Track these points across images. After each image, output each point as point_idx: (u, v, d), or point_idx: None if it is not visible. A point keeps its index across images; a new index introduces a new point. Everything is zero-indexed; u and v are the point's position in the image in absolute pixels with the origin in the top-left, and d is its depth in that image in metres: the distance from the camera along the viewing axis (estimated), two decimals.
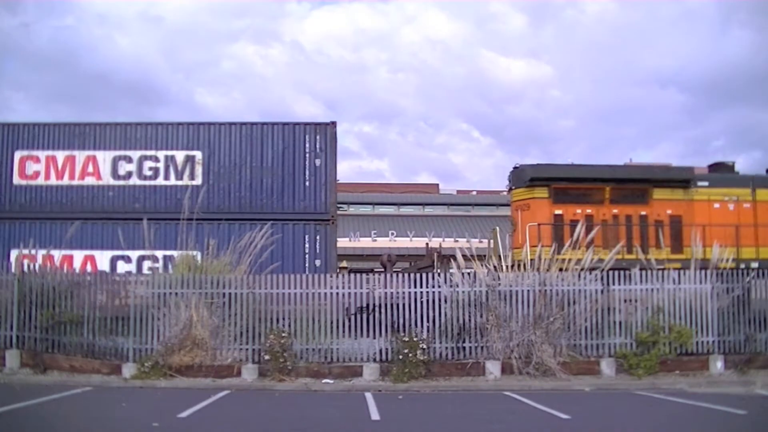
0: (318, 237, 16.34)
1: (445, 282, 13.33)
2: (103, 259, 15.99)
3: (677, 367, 12.91)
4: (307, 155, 16.90)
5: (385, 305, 13.28)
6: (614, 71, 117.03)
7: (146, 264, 14.92)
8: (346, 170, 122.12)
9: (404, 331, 12.75)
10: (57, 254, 15.14)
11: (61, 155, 16.97)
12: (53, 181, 16.89)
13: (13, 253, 15.07)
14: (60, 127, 17.21)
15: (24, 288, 13.17)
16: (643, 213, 17.22)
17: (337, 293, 13.33)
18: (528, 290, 13.13)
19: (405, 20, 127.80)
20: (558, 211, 16.88)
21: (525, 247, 14.57)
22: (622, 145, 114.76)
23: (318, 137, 16.94)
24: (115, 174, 16.90)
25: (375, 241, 41.04)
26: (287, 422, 9.09)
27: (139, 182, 16.88)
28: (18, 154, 16.95)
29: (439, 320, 13.12)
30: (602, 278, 13.36)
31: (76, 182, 16.91)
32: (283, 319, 13.06)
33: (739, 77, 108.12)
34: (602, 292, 13.25)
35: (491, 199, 55.25)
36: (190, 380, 12.17)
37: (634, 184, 17.52)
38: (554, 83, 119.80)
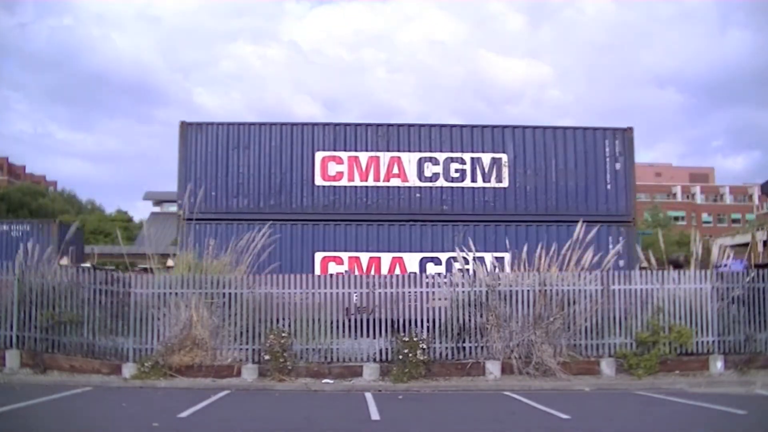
0: (620, 238, 16.38)
1: (446, 282, 13.34)
2: (411, 260, 15.88)
3: (677, 367, 12.91)
4: (607, 159, 17.08)
5: (386, 305, 13.29)
6: (613, 71, 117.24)
7: (455, 266, 14.75)
8: None
9: (404, 331, 12.75)
10: (350, 256, 15.04)
11: (364, 156, 16.85)
12: (357, 182, 16.78)
13: (318, 255, 14.87)
14: (362, 127, 17.10)
15: (24, 288, 13.17)
16: None
17: (338, 293, 13.33)
18: (528, 290, 13.13)
19: (403, 20, 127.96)
20: None
21: None
22: None
23: (616, 141, 17.11)
24: (421, 176, 16.85)
25: None
26: (287, 422, 9.09)
27: (445, 184, 16.85)
28: (319, 155, 16.80)
29: (439, 320, 13.13)
30: (602, 278, 13.37)
31: (381, 183, 16.81)
32: (283, 318, 13.07)
33: (738, 77, 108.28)
34: (602, 292, 13.25)
35: None
36: (190, 380, 12.17)
37: None
38: (553, 83, 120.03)
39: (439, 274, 13.68)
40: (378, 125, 17.13)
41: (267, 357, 12.28)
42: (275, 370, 12.18)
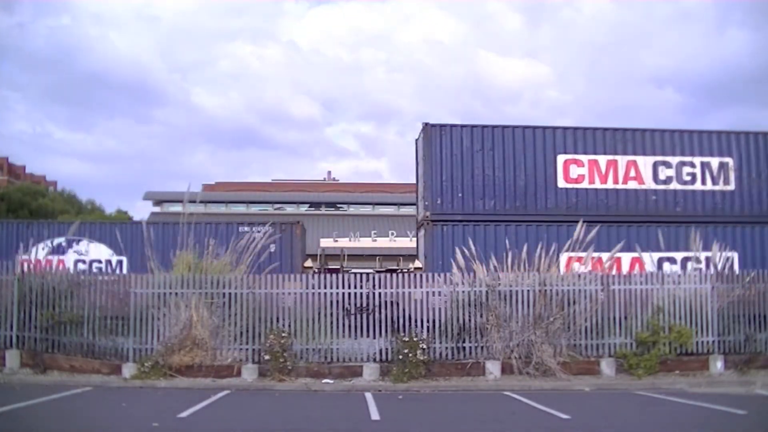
0: None
1: (445, 282, 13.34)
2: (649, 260, 16.07)
3: (677, 367, 12.91)
4: None
5: (386, 305, 13.29)
6: (611, 71, 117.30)
7: (690, 265, 15.23)
8: (344, 170, 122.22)
9: (404, 331, 12.75)
10: (591, 256, 15.06)
11: (603, 159, 17.32)
12: (597, 184, 17.26)
13: (563, 257, 14.95)
14: (600, 131, 17.56)
15: (24, 288, 13.17)
16: None
17: (337, 293, 13.33)
18: (528, 290, 13.13)
19: (402, 20, 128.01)
20: None
21: None
22: None
23: None
24: (656, 178, 17.36)
25: (375, 241, 41.02)
26: (287, 422, 9.09)
27: (679, 187, 17.38)
28: (561, 158, 17.24)
29: (439, 320, 13.12)
30: (602, 278, 13.38)
31: (619, 186, 17.32)
32: (283, 318, 13.07)
33: (736, 77, 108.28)
34: (602, 292, 13.25)
35: None
36: (190, 380, 12.17)
37: None
38: (551, 83, 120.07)
39: (439, 274, 13.67)
40: (615, 129, 17.64)
41: (267, 357, 12.28)
42: (275, 370, 12.18)
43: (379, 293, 13.34)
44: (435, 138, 16.95)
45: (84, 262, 14.96)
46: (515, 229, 16.18)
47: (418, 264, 13.20)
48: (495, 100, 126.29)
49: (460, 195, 16.77)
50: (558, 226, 16.30)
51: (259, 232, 16.68)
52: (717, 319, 13.47)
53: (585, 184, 17.21)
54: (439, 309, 13.22)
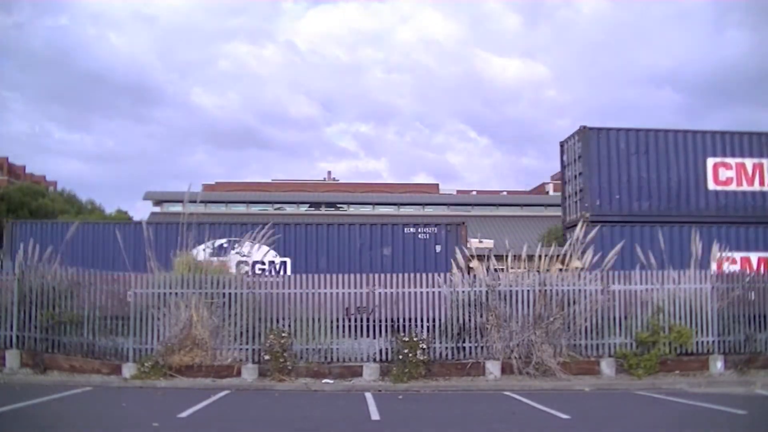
0: None
1: (445, 282, 13.34)
2: None
3: (677, 367, 12.91)
4: None
5: (386, 305, 13.29)
6: (610, 71, 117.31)
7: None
8: (344, 170, 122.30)
9: (404, 331, 12.75)
10: (741, 256, 16.00)
11: (749, 162, 17.92)
12: (744, 186, 17.86)
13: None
14: (748, 136, 18.12)
15: (24, 288, 13.17)
16: None
17: (338, 293, 13.33)
18: (528, 290, 13.13)
19: (400, 20, 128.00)
20: None
21: None
22: None
23: None
24: None
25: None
26: (287, 422, 9.09)
27: None
28: (710, 161, 17.79)
29: (439, 320, 13.12)
30: (602, 278, 13.37)
31: (766, 188, 17.96)
32: (283, 318, 13.08)
33: (735, 77, 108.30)
34: (602, 292, 13.25)
35: (491, 199, 55.32)
36: (190, 380, 12.17)
37: None
38: (550, 83, 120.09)
39: (438, 274, 13.67)
40: (760, 134, 18.20)
41: (267, 357, 12.28)
42: (275, 370, 12.18)
43: (379, 293, 13.34)
44: (592, 141, 17.56)
45: (246, 263, 14.81)
46: (669, 230, 16.41)
47: (577, 263, 13.51)
48: (494, 100, 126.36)
49: (617, 196, 17.38)
50: (708, 227, 16.61)
51: (425, 233, 17.28)
52: (717, 319, 13.46)
53: (733, 187, 17.78)
54: (440, 309, 13.22)
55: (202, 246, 16.99)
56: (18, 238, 17.52)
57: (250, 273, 14.57)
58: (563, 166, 18.94)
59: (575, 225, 15.21)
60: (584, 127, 17.65)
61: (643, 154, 17.60)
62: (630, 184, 17.47)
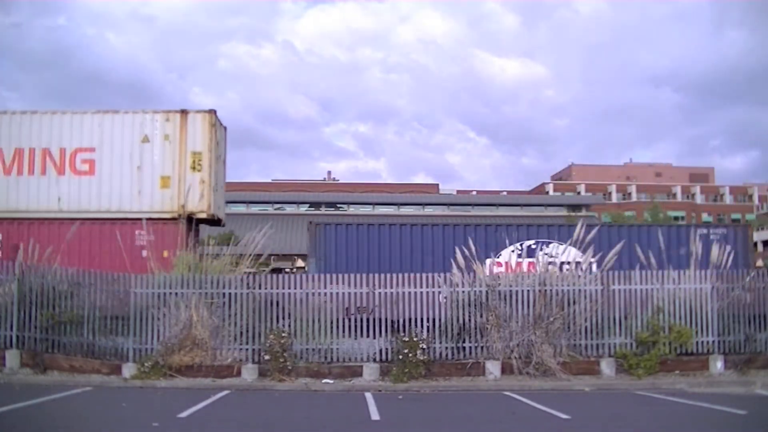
0: None
1: (445, 282, 13.34)
2: None
3: (677, 367, 12.91)
4: None
5: (386, 305, 13.29)
6: (608, 71, 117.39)
7: None
8: (343, 170, 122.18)
9: (404, 331, 12.75)
10: None
11: None
12: None
13: None
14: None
15: (24, 288, 13.16)
16: None
17: (337, 293, 13.33)
18: (528, 290, 13.13)
19: (399, 20, 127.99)
20: None
21: None
22: (619, 144, 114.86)
23: None
24: None
25: None
26: (287, 422, 9.10)
27: None
28: None
29: (439, 320, 13.12)
30: (602, 278, 13.37)
31: None
32: (283, 318, 13.08)
33: (734, 77, 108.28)
34: (602, 292, 13.26)
35: (491, 199, 55.40)
36: (190, 380, 12.17)
37: None
38: (548, 83, 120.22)
39: (438, 274, 13.66)
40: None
41: (267, 357, 12.28)
42: (275, 370, 12.18)
43: (379, 293, 13.35)
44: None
45: (554, 264, 14.71)
46: None
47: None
48: (492, 100, 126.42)
49: None
50: None
51: (716, 235, 17.62)
52: (717, 319, 13.46)
53: None
54: (440, 309, 13.22)
55: (512, 247, 17.63)
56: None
57: (557, 273, 14.24)
58: None
59: None
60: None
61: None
62: None
